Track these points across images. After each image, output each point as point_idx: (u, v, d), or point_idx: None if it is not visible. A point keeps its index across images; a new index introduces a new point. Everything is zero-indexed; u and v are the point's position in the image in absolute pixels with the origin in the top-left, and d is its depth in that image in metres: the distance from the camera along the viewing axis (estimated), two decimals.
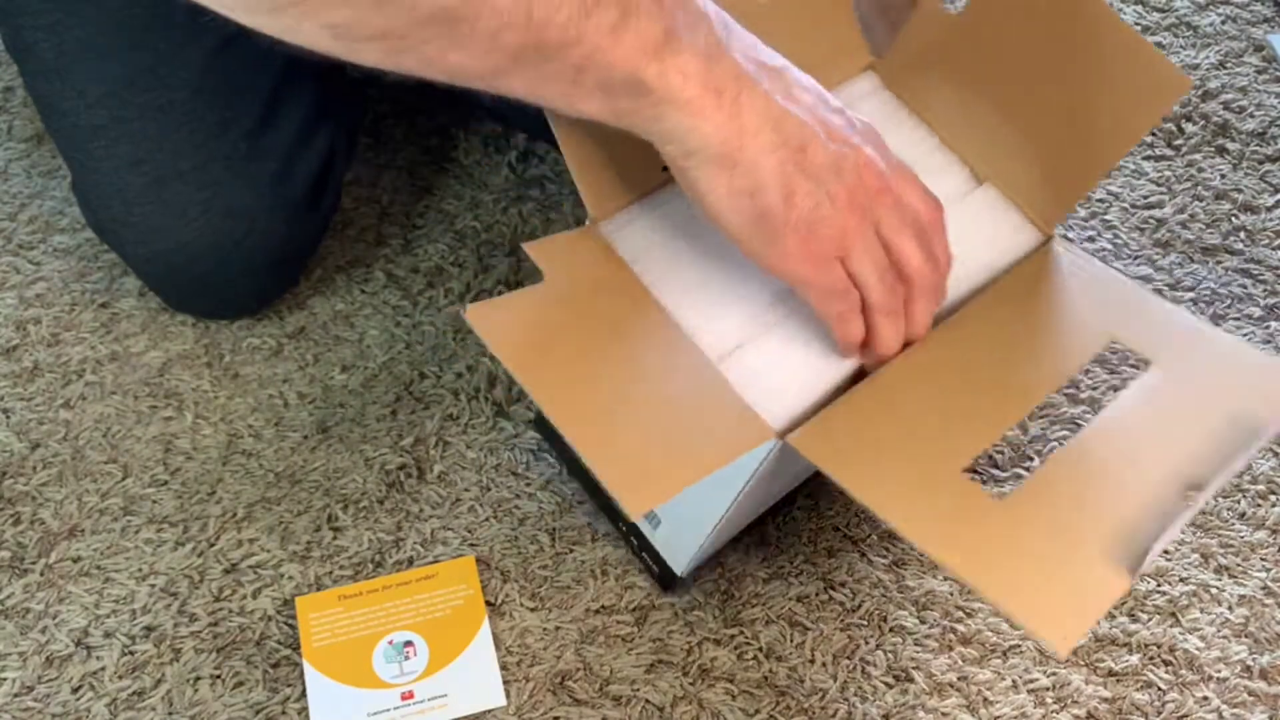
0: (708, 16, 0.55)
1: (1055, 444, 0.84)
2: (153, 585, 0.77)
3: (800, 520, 0.81)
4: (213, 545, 0.79)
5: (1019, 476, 0.83)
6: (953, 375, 0.64)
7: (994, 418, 0.63)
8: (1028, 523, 0.58)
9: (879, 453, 0.61)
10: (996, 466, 0.83)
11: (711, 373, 0.63)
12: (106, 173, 0.85)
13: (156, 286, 0.91)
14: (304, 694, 0.72)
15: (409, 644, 0.74)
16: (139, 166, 0.82)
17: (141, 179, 0.82)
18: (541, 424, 0.82)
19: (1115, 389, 0.87)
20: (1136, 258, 0.98)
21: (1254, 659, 0.74)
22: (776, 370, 0.63)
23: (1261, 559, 0.79)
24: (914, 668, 0.73)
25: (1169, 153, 1.07)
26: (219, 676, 0.73)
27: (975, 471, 0.83)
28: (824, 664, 0.73)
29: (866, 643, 0.74)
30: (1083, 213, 1.01)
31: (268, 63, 0.84)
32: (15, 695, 0.72)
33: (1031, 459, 0.84)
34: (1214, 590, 0.77)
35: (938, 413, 0.62)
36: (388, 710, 0.72)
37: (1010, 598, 0.55)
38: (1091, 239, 0.99)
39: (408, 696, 0.72)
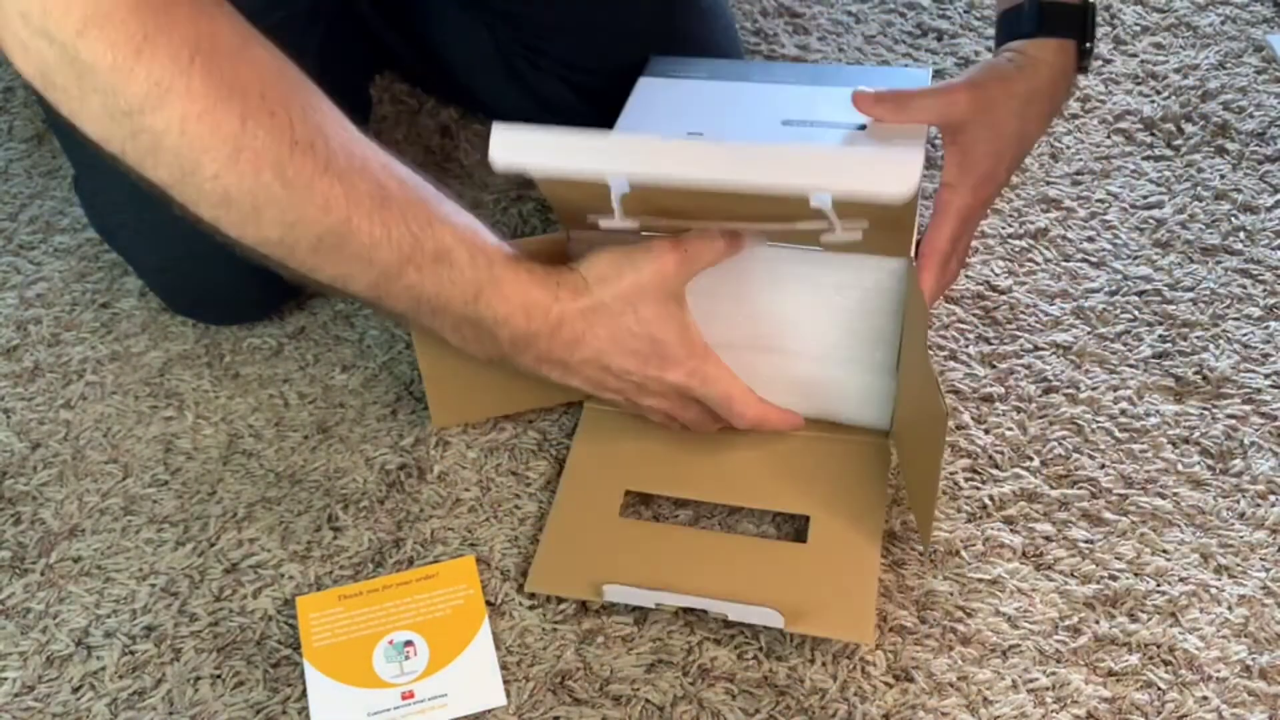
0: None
1: (1055, 444, 0.85)
2: (153, 585, 0.77)
3: None
4: (213, 545, 0.79)
5: (1018, 477, 0.83)
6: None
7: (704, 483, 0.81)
8: None
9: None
10: (996, 467, 0.84)
11: None
12: (118, 176, 0.84)
13: (162, 292, 0.91)
14: (304, 694, 0.72)
15: (409, 644, 0.74)
16: None
17: None
18: None
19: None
20: (1136, 258, 0.98)
21: (1254, 659, 0.74)
22: None
23: (1261, 559, 0.79)
24: (914, 668, 0.73)
25: (1169, 153, 1.07)
26: (219, 676, 0.73)
27: (975, 471, 0.83)
28: (824, 664, 0.73)
29: (866, 642, 0.74)
30: (1082, 213, 1.01)
31: None
32: (16, 695, 0.72)
33: (1031, 459, 0.84)
34: (1214, 590, 0.77)
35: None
36: (388, 710, 0.72)
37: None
38: (1091, 239, 0.99)
39: (408, 696, 0.72)
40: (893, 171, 0.61)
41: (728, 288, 0.76)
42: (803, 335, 0.79)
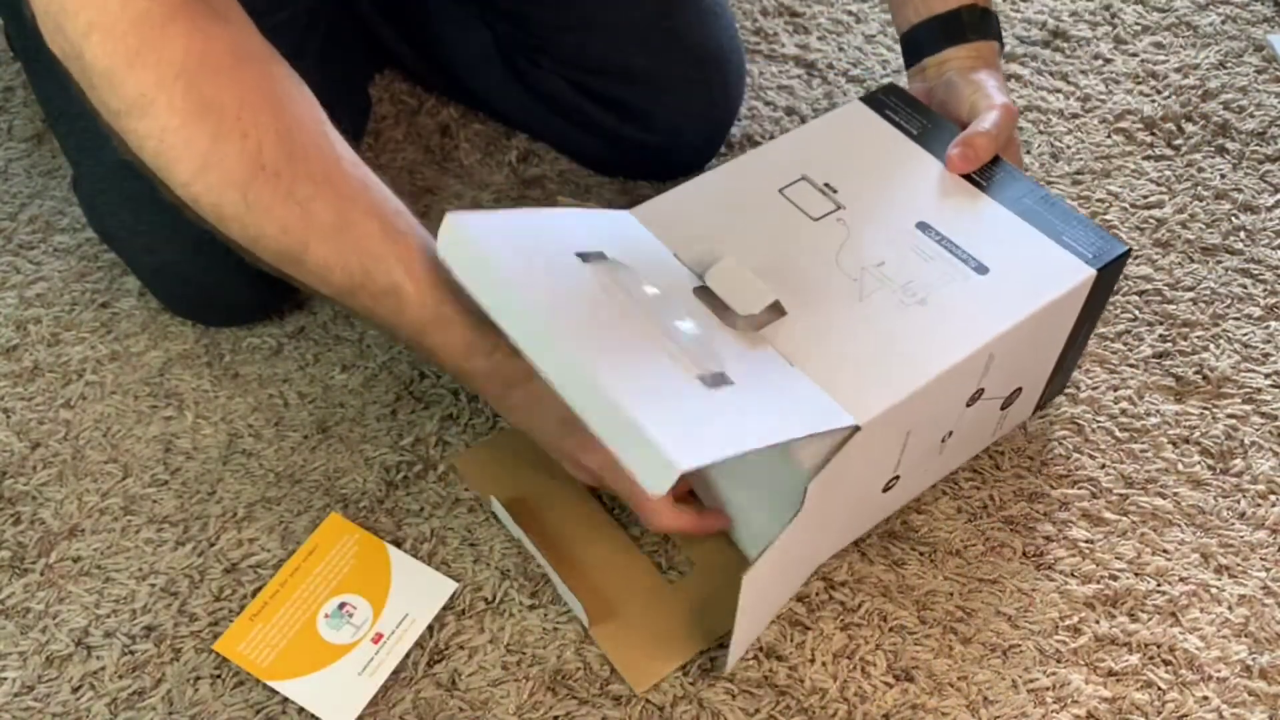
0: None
1: (1055, 444, 0.85)
2: (153, 585, 0.77)
3: None
4: (213, 545, 0.79)
5: (1018, 476, 0.83)
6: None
7: None
8: None
9: None
10: (996, 467, 0.83)
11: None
12: (117, 179, 0.84)
13: (160, 294, 0.91)
14: None
15: (343, 605, 0.75)
16: None
17: (153, 187, 0.82)
18: None
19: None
20: (1136, 258, 0.98)
21: (1254, 659, 0.74)
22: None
23: (1261, 559, 0.79)
24: (914, 668, 0.73)
25: (1169, 153, 1.07)
26: (219, 676, 0.73)
27: (975, 471, 0.83)
28: (824, 664, 0.73)
29: (866, 643, 0.74)
30: (1083, 212, 1.01)
31: None
32: (15, 695, 0.72)
33: (1031, 459, 0.84)
34: (1214, 590, 0.77)
35: None
36: (370, 659, 0.73)
37: None
38: None
39: (377, 639, 0.74)
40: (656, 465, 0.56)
41: None
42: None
